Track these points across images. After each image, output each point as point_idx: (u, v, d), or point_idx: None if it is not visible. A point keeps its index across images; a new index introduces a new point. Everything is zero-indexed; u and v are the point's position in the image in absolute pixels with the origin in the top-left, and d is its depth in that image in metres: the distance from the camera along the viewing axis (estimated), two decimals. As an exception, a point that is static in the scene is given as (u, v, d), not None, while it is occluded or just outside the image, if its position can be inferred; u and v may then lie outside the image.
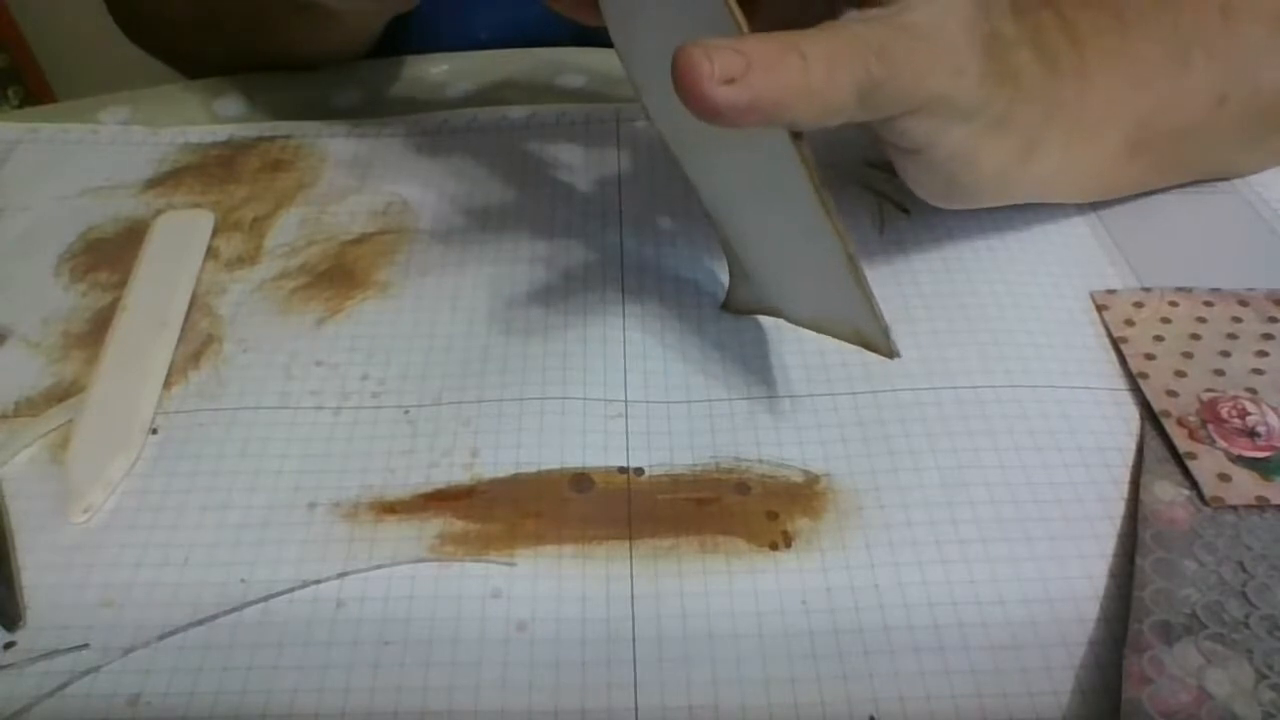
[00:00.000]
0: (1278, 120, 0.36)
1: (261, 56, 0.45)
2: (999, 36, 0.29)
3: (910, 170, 0.31)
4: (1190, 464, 0.27)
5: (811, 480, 0.28)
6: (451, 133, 0.42)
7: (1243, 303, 0.32)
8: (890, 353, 0.28)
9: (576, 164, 0.40)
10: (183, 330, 0.33)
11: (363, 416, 0.30)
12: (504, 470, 0.28)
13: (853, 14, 0.26)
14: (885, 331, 0.28)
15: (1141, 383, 0.30)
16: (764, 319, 0.33)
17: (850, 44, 0.24)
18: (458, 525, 0.27)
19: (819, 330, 0.30)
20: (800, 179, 0.26)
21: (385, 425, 0.30)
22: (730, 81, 0.22)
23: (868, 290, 0.27)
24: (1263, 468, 0.27)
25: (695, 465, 0.28)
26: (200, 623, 0.25)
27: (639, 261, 0.35)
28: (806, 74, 0.23)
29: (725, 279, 0.33)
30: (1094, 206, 0.37)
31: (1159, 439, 0.28)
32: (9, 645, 0.24)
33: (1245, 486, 0.27)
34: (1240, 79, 0.34)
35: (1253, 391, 0.29)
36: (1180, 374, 0.30)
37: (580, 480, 0.28)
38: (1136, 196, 0.37)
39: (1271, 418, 0.28)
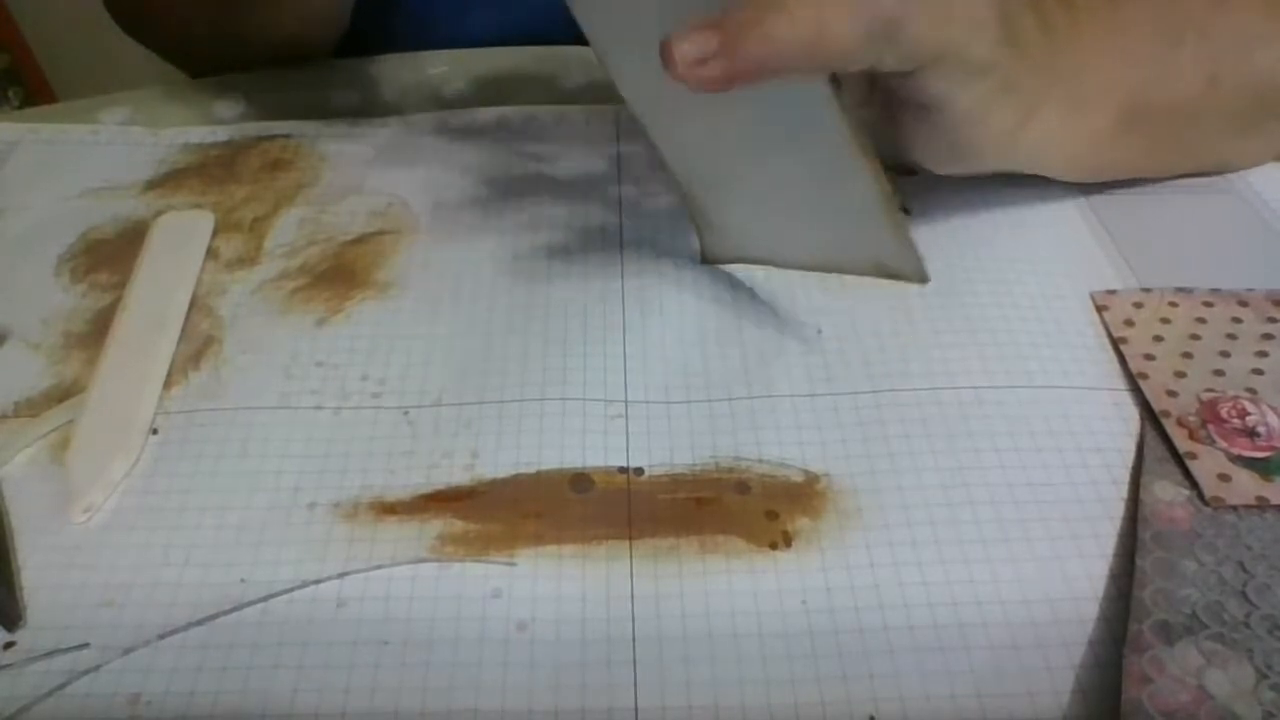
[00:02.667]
0: (1270, 105, 0.36)
1: (241, 42, 0.45)
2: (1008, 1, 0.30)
3: (918, 132, 0.32)
4: (1190, 464, 0.27)
5: (811, 480, 0.28)
6: (451, 132, 0.42)
7: (1242, 303, 0.32)
8: (922, 277, 0.30)
9: (576, 164, 0.40)
10: (183, 331, 0.33)
11: (363, 417, 0.30)
12: (504, 471, 0.28)
13: None
14: (919, 259, 0.29)
15: (1141, 383, 0.30)
16: (765, 315, 0.33)
17: None
18: (458, 526, 0.27)
19: (827, 269, 0.32)
20: (834, 125, 0.27)
21: (385, 426, 0.30)
22: (702, 62, 0.25)
23: (901, 222, 0.29)
24: (1263, 468, 0.27)
25: (695, 465, 0.28)
26: (200, 622, 0.25)
27: (639, 261, 0.35)
28: (793, 28, 0.25)
29: (727, 279, 0.33)
30: (1094, 207, 0.37)
31: (1159, 439, 0.28)
32: (9, 645, 0.24)
33: (1245, 486, 0.27)
34: (1232, 60, 0.34)
35: (1252, 391, 0.29)
36: (1180, 374, 0.30)
37: (580, 480, 0.28)
38: (1136, 196, 0.37)
39: (1271, 417, 0.28)
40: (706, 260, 0.34)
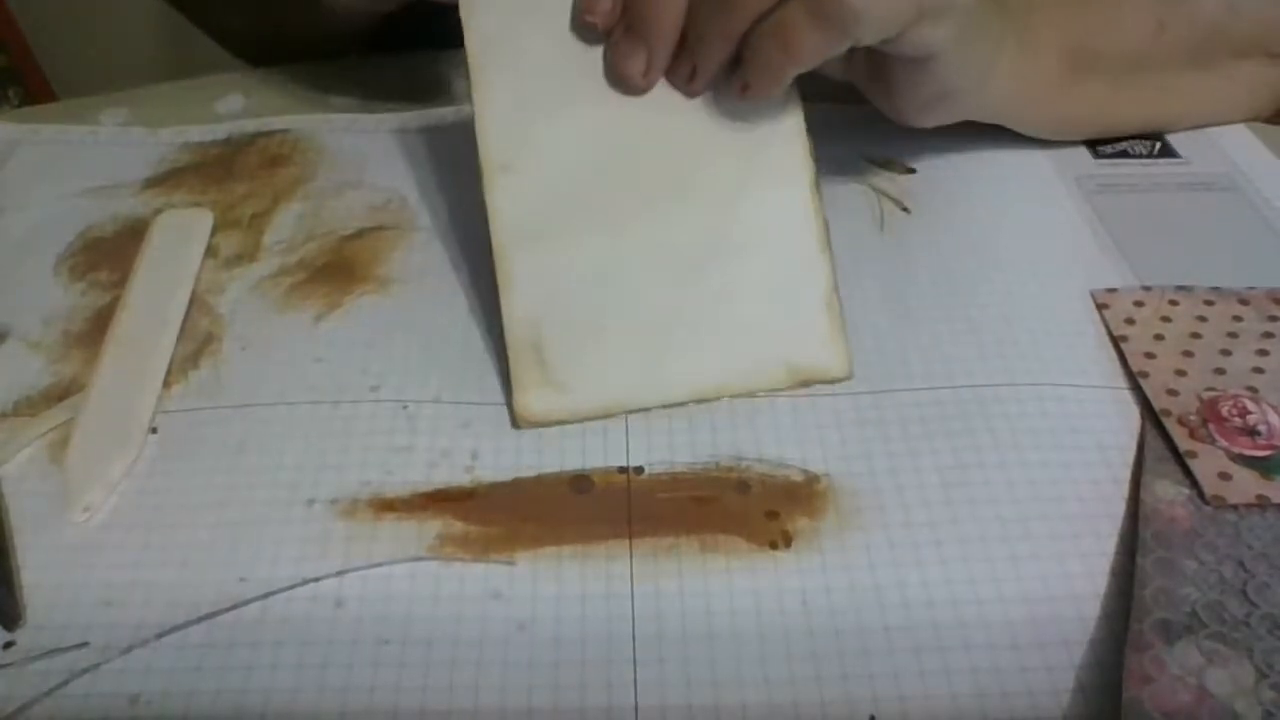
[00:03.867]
0: (1220, 45, 0.37)
1: (282, 37, 0.46)
2: None
3: (903, 83, 0.32)
4: (1190, 463, 0.27)
5: (811, 480, 0.28)
6: (450, 128, 0.41)
7: (1243, 301, 0.32)
8: (849, 372, 0.30)
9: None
10: (182, 329, 0.33)
11: (361, 411, 0.30)
12: (504, 474, 0.28)
13: None
14: (849, 353, 0.30)
15: (1142, 382, 0.30)
16: None
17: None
18: (457, 527, 0.27)
19: (709, 396, 0.30)
20: (808, 216, 0.30)
21: (384, 420, 0.30)
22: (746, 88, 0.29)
23: (840, 315, 0.30)
24: (1263, 466, 0.27)
25: (695, 464, 0.28)
26: (199, 621, 0.25)
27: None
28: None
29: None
30: (1094, 207, 0.37)
31: (1159, 438, 0.28)
32: (9, 644, 0.24)
33: (1245, 485, 0.27)
34: (1177, 8, 0.36)
35: (1253, 390, 0.29)
36: (1181, 373, 0.30)
37: (580, 481, 0.28)
38: (1136, 196, 0.37)
39: (1272, 416, 0.28)
40: (523, 424, 0.29)
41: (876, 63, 0.32)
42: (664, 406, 0.30)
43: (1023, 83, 0.35)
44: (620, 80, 0.30)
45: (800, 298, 0.30)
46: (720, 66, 0.29)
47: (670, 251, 0.30)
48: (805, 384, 0.30)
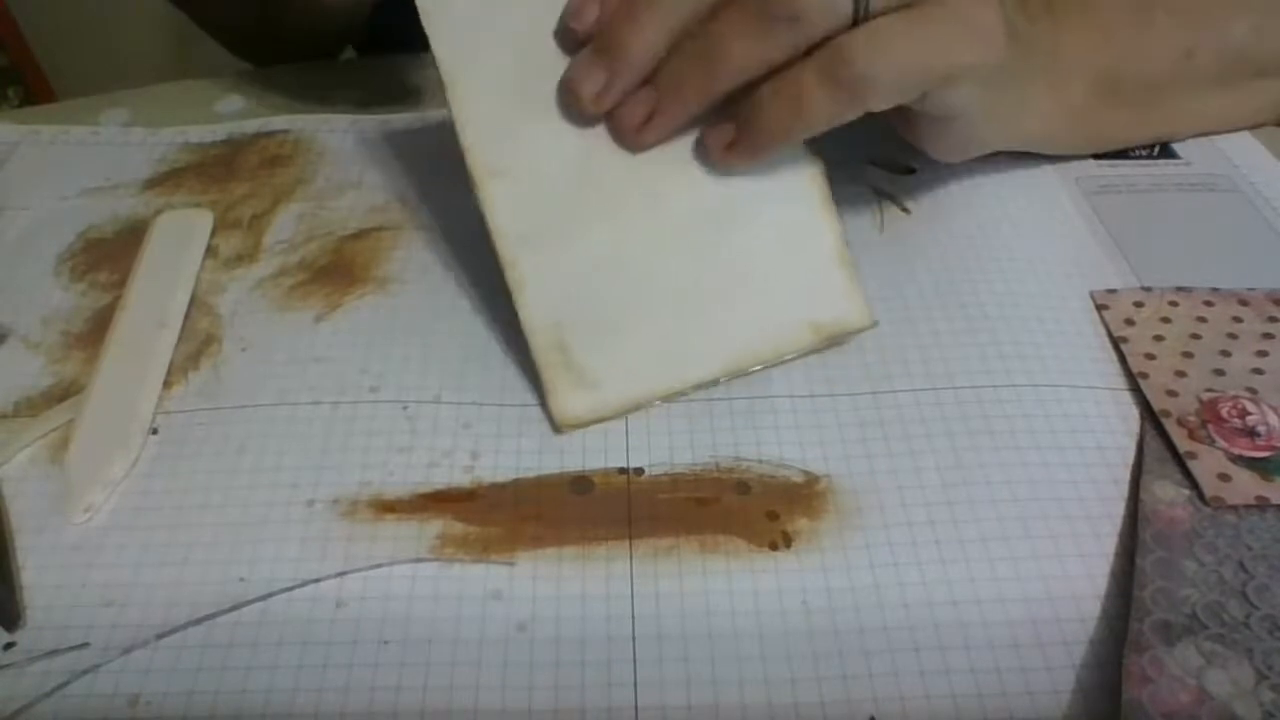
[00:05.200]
0: (1248, 68, 0.37)
1: (279, 37, 0.46)
2: None
3: (931, 133, 0.32)
4: (1190, 464, 0.27)
5: (811, 480, 0.28)
6: (450, 129, 0.41)
7: (1243, 302, 0.32)
8: (871, 321, 0.31)
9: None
10: (182, 330, 0.33)
11: (361, 411, 0.30)
12: (504, 475, 0.28)
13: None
14: (867, 304, 0.30)
15: (1141, 382, 0.30)
16: None
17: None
18: (457, 527, 0.27)
19: (743, 369, 0.30)
20: (808, 183, 0.30)
21: (384, 421, 0.30)
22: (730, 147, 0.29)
23: (854, 267, 0.30)
24: (1263, 467, 0.27)
25: (695, 465, 0.28)
26: (200, 622, 0.25)
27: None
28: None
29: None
30: (1094, 207, 0.37)
31: (1159, 439, 0.28)
32: (9, 645, 0.24)
33: (1245, 486, 0.27)
34: (1206, 34, 0.36)
35: (1253, 391, 0.29)
36: (1180, 374, 0.30)
37: (580, 482, 0.28)
38: (1136, 196, 0.37)
39: (1271, 417, 0.28)
40: (565, 428, 0.29)
41: (902, 110, 0.32)
42: (698, 387, 0.30)
43: (1051, 116, 0.35)
44: (568, 94, 0.29)
45: (811, 256, 0.30)
46: (684, 122, 0.28)
47: (675, 231, 0.30)
48: (832, 340, 0.30)
